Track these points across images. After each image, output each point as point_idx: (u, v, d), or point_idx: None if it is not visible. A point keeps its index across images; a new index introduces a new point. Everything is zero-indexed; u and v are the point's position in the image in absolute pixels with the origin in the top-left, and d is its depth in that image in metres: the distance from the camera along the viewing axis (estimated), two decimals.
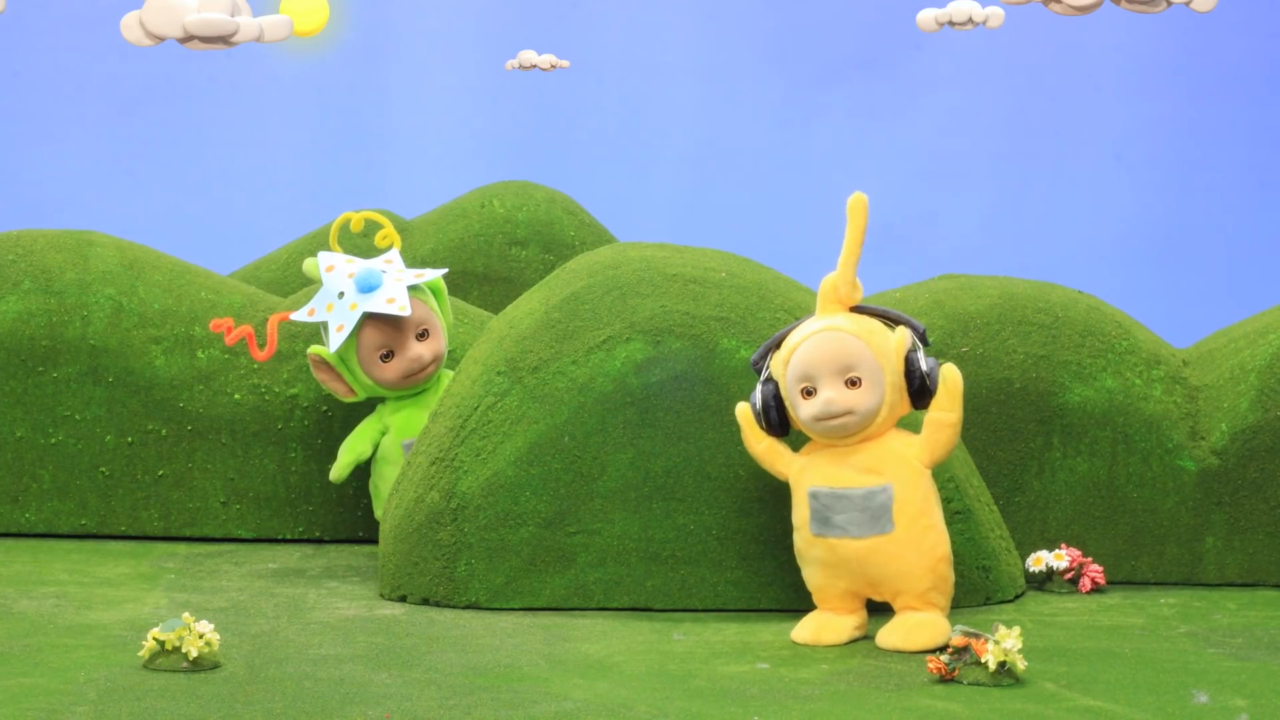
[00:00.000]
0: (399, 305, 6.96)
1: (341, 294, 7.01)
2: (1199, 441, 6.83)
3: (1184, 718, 5.09)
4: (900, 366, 5.83)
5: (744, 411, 6.01)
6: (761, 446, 6.00)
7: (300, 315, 7.10)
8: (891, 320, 5.92)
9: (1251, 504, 6.79)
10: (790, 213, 12.87)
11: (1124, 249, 12.63)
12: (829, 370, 5.79)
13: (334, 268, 7.10)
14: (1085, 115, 12.85)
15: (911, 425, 6.09)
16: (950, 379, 5.82)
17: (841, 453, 5.87)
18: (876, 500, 5.80)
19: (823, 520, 5.85)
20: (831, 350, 5.80)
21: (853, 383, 5.79)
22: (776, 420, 5.92)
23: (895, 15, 11.57)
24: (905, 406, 5.90)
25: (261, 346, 7.21)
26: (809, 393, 5.83)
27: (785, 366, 5.87)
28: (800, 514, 5.92)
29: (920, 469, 5.85)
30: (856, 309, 5.94)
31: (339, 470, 7.10)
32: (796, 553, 6.00)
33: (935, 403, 5.85)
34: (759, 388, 5.94)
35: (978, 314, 6.96)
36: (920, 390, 5.84)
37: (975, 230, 12.88)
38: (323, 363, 7.08)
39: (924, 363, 5.84)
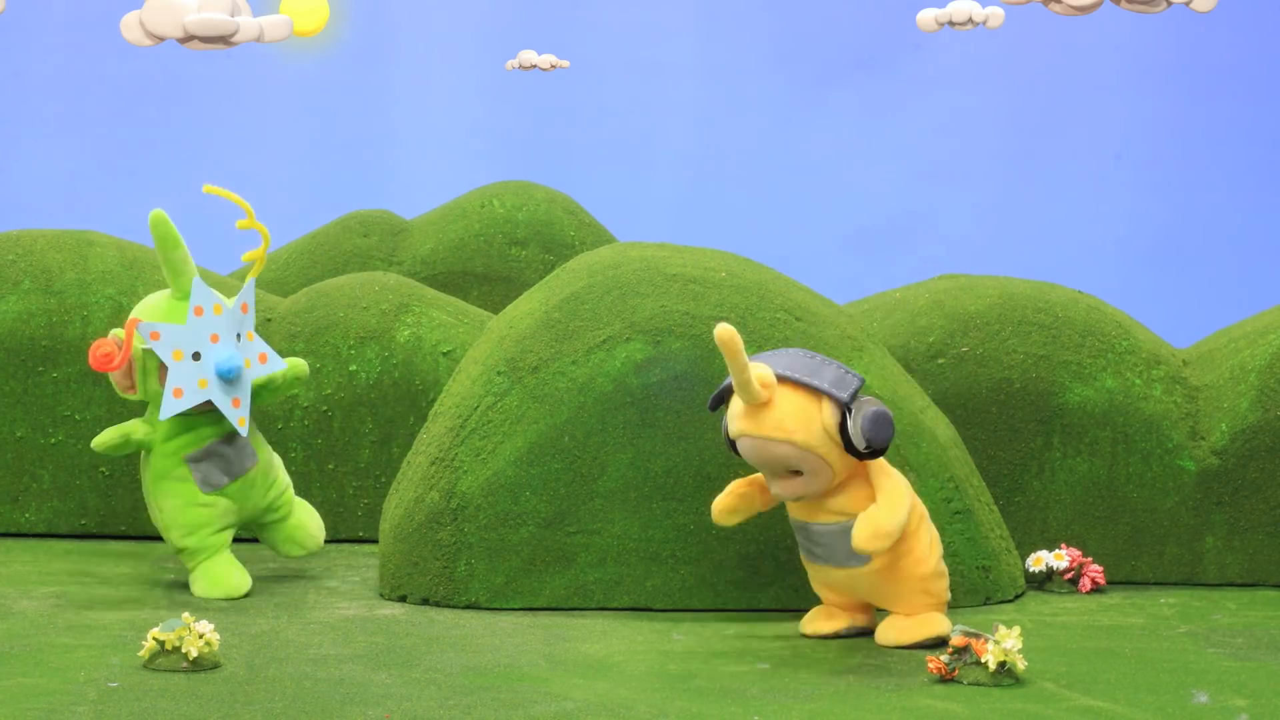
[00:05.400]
0: (239, 418, 6.42)
1: (197, 355, 6.38)
2: (1199, 441, 6.83)
3: (1184, 718, 5.09)
4: (836, 440, 5.66)
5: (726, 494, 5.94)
6: (739, 493, 5.91)
7: (145, 330, 6.37)
8: (814, 391, 5.67)
9: (1251, 504, 6.79)
10: (790, 213, 12.88)
11: (1124, 249, 12.65)
12: (769, 470, 5.76)
13: (202, 311, 6.40)
14: (1085, 115, 12.86)
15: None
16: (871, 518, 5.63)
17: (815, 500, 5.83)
18: (849, 536, 5.72)
19: (807, 550, 5.91)
20: (764, 457, 5.72)
21: (795, 472, 5.72)
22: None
23: (895, 15, 11.58)
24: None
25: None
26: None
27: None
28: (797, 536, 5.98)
29: None
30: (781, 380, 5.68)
31: (105, 440, 6.44)
32: (801, 558, 6.05)
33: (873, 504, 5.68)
34: (725, 425, 5.85)
35: (978, 314, 6.96)
36: (866, 451, 5.67)
37: (975, 230, 12.88)
38: (125, 348, 6.35)
39: (858, 424, 5.62)
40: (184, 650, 5.35)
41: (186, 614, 5.42)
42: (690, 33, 13.14)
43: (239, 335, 6.51)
